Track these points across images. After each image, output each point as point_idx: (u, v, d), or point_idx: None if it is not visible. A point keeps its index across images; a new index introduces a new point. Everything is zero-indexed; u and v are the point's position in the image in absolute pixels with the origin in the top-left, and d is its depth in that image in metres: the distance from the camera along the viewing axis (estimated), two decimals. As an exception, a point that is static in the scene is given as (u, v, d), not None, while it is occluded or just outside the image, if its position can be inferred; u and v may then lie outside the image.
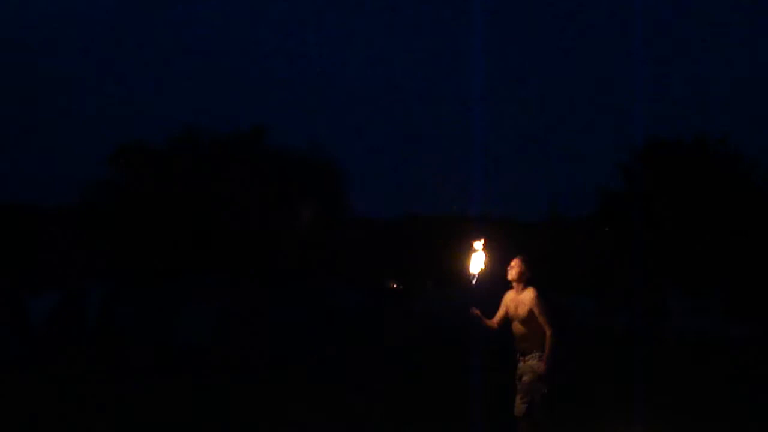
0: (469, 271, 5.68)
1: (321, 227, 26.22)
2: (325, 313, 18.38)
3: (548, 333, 5.42)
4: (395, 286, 33.18)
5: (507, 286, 5.74)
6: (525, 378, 5.50)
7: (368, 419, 7.12)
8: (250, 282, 21.74)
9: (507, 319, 5.73)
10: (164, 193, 24.63)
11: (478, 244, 5.71)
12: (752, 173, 25.25)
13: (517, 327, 5.59)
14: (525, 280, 5.62)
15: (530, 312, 5.49)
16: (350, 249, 27.53)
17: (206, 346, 13.28)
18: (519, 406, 5.50)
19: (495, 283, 5.84)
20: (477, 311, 5.69)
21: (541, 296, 5.52)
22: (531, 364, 5.48)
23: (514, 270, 5.65)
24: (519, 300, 5.59)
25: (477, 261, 5.67)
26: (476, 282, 5.66)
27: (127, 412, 7.77)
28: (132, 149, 26.46)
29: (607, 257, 24.20)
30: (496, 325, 5.75)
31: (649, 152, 26.29)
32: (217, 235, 24.26)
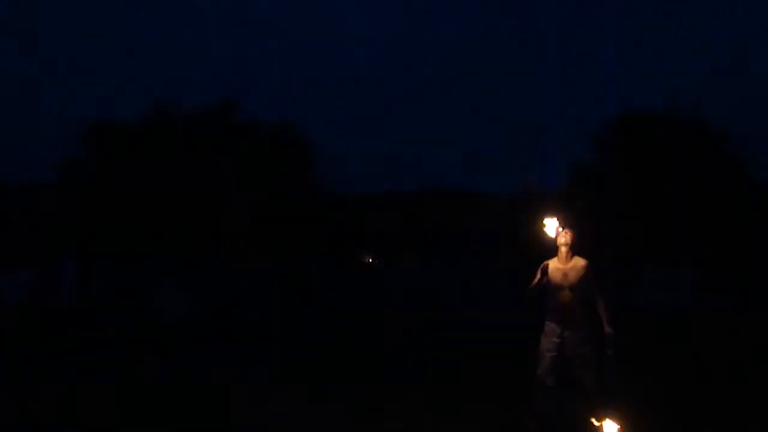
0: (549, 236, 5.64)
1: (293, 202, 26.20)
2: (299, 289, 18.47)
3: (602, 299, 5.54)
4: (370, 260, 33.28)
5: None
6: (584, 351, 5.47)
7: (343, 398, 7.14)
8: (225, 259, 21.71)
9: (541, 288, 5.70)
10: (136, 169, 24.35)
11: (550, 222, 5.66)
12: (722, 144, 25.53)
13: (563, 296, 5.55)
14: (573, 249, 5.65)
15: (582, 279, 5.54)
16: (324, 224, 27.54)
17: (183, 321, 13.28)
18: (589, 380, 5.46)
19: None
20: (547, 263, 5.65)
21: (592, 264, 5.61)
22: (584, 334, 5.50)
23: (567, 237, 5.65)
24: (569, 269, 5.59)
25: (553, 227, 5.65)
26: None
27: (102, 386, 7.74)
28: (103, 126, 26.11)
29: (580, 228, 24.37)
30: (536, 288, 5.68)
31: (622, 124, 26.50)
32: (189, 209, 24.09)
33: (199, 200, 24.33)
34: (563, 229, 5.70)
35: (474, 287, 18.55)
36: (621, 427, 4.93)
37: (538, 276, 5.66)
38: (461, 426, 6.06)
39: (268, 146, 26.92)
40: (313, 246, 26.06)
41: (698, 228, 22.88)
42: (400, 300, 18.06)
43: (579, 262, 5.63)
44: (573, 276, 5.56)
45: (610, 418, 4.98)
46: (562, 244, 5.66)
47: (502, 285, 15.77)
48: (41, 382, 8.02)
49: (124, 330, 12.38)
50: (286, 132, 27.96)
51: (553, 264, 5.67)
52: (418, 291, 19.08)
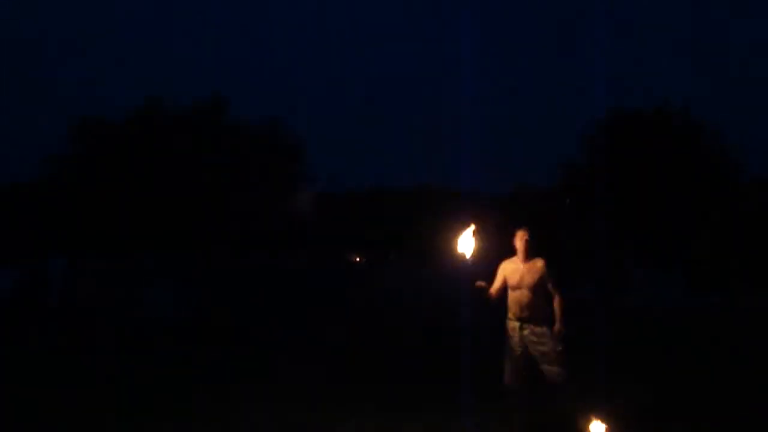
0: (460, 252, 5.54)
1: (282, 199, 26.20)
2: (288, 288, 18.43)
3: (558, 297, 5.58)
4: (358, 259, 33.30)
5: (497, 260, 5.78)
6: (547, 348, 5.52)
7: (341, 397, 7.13)
8: (213, 257, 21.66)
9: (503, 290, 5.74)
10: (125, 167, 24.27)
11: (469, 229, 5.55)
12: (714, 142, 25.55)
13: (521, 295, 5.62)
14: (530, 250, 5.69)
15: (539, 280, 5.58)
16: (312, 221, 27.54)
17: (172, 320, 13.24)
18: (558, 374, 5.50)
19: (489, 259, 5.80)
20: (482, 283, 5.67)
21: (549, 265, 5.65)
22: (544, 331, 5.53)
23: (522, 240, 5.70)
24: (525, 269, 5.65)
25: (468, 243, 5.53)
26: (470, 261, 5.51)
27: (93, 385, 7.69)
28: (92, 123, 26.01)
29: (570, 229, 24.44)
30: (495, 295, 5.74)
31: (611, 124, 26.56)
32: (178, 208, 24.03)
33: (190, 199, 24.27)
34: (519, 230, 5.73)
35: (463, 287, 18.50)
36: (608, 427, 4.95)
37: (497, 281, 5.72)
38: (460, 425, 6.04)
39: (257, 145, 26.92)
40: (302, 244, 26.09)
41: (689, 227, 22.94)
42: (389, 300, 18.00)
43: (537, 262, 5.67)
44: (530, 277, 5.62)
45: (598, 418, 5.00)
46: (519, 248, 5.71)
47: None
48: (32, 383, 7.97)
49: (113, 329, 12.31)
50: (277, 132, 27.99)
51: (511, 264, 5.74)
52: (405, 290, 19.04)
